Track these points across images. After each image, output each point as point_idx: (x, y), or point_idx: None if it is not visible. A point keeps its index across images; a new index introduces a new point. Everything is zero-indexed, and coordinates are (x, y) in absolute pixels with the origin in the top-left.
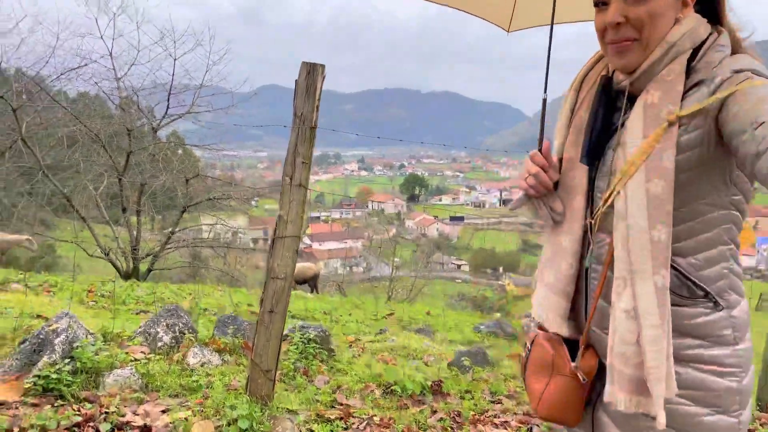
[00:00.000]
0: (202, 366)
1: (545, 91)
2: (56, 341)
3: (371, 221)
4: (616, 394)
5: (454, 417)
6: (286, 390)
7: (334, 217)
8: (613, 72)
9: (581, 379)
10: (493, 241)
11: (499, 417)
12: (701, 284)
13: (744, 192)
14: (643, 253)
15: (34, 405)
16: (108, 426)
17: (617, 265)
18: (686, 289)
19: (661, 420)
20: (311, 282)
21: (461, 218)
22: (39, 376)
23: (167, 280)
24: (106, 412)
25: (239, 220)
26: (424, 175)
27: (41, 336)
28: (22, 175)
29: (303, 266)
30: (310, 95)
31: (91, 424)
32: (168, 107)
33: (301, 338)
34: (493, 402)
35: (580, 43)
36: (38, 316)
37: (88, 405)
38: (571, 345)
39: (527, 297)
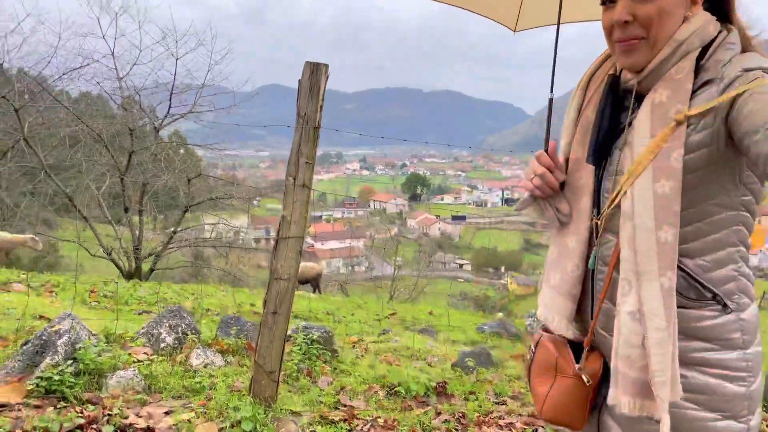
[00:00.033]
0: (205, 367)
1: (551, 91)
2: (59, 342)
3: (373, 220)
4: (619, 397)
5: (458, 418)
6: (290, 391)
7: (336, 216)
8: (621, 71)
9: (585, 381)
10: (495, 240)
11: (503, 418)
12: (709, 286)
13: (754, 193)
14: (649, 254)
15: (37, 407)
16: (111, 428)
17: (623, 266)
18: (694, 291)
19: (666, 424)
20: (314, 282)
21: (463, 217)
22: (41, 378)
23: (169, 279)
24: (109, 414)
25: (241, 220)
26: (425, 174)
27: (44, 337)
28: (24, 174)
29: (305, 266)
30: (313, 95)
31: (94, 426)
32: (170, 107)
33: (304, 339)
34: (497, 403)
35: (581, 42)
36: (41, 317)
37: (91, 407)
38: (578, 347)
39: (529, 296)
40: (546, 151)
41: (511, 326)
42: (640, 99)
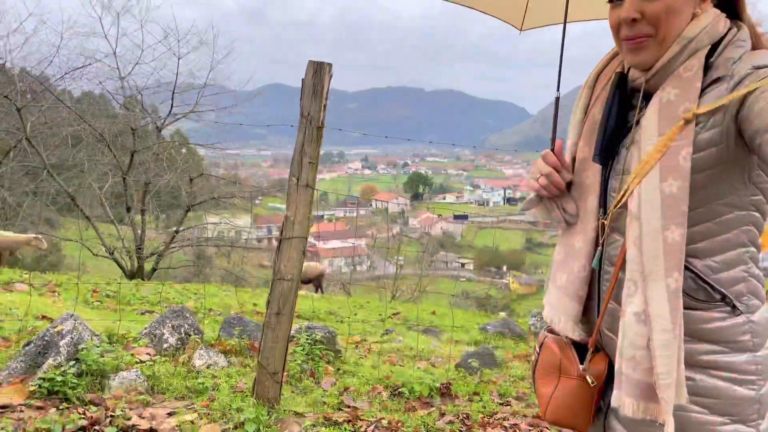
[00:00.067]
0: (208, 368)
1: (558, 89)
2: (61, 343)
3: (375, 220)
4: (623, 398)
5: (462, 419)
6: (293, 392)
7: (338, 215)
8: (629, 69)
9: (590, 382)
10: (497, 239)
11: (508, 419)
12: (718, 287)
13: (765, 192)
14: (655, 255)
15: (39, 408)
16: (114, 429)
17: (629, 266)
18: (703, 292)
19: (670, 428)
20: (316, 281)
21: (465, 216)
22: (44, 379)
23: (172, 279)
24: (111, 415)
25: (243, 219)
26: (427, 173)
27: (46, 338)
28: (26, 174)
29: (308, 266)
30: (317, 95)
31: (97, 427)
32: (172, 106)
33: (307, 339)
34: (502, 404)
35: (583, 41)
36: (43, 318)
37: (94, 408)
38: (584, 348)
39: (531, 295)
40: (552, 150)
41: (515, 326)
42: (647, 97)
